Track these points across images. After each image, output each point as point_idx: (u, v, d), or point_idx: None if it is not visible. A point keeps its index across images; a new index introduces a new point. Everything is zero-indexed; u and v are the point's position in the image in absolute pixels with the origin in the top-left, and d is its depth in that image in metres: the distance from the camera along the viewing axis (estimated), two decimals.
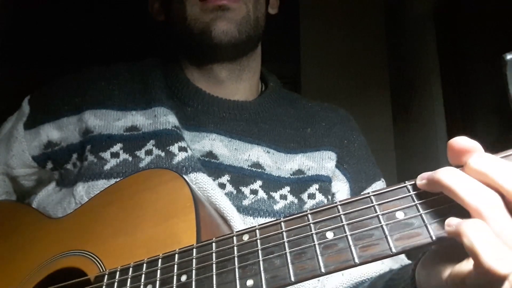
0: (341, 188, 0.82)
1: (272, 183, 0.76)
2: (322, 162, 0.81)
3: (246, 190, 0.74)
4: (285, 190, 0.76)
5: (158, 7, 0.89)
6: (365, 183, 0.84)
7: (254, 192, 0.75)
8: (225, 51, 0.79)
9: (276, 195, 0.75)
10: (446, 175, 0.39)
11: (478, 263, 0.35)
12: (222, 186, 0.73)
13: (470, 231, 0.35)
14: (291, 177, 0.78)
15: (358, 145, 0.88)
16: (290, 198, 0.76)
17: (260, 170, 0.77)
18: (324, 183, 0.79)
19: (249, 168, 0.77)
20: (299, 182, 0.78)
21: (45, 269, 0.61)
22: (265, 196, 0.75)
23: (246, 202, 0.73)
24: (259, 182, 0.76)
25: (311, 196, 0.77)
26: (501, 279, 0.34)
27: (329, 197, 0.79)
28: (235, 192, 0.74)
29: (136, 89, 0.83)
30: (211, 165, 0.75)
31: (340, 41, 2.52)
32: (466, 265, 0.38)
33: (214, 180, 0.73)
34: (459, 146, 0.40)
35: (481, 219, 0.36)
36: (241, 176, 0.76)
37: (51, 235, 0.67)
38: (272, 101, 0.88)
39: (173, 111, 0.78)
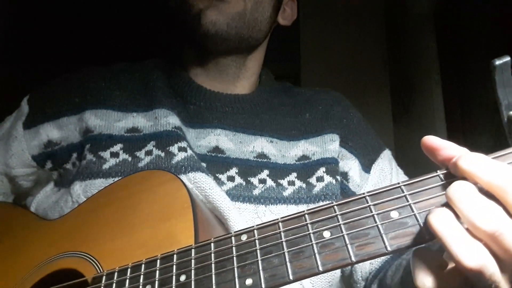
0: (352, 166, 0.83)
1: (279, 171, 0.78)
2: (325, 145, 0.82)
3: (254, 180, 0.76)
4: (292, 176, 0.78)
5: None
6: (374, 155, 0.87)
7: (263, 181, 0.76)
8: (213, 42, 0.78)
9: (284, 182, 0.77)
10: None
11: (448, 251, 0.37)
12: (231, 178, 0.75)
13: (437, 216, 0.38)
14: (296, 163, 0.80)
15: (357, 121, 0.90)
16: (298, 183, 0.77)
17: (265, 160, 0.79)
18: (331, 165, 0.80)
19: (255, 159, 0.78)
20: (305, 167, 0.79)
21: (41, 271, 0.61)
22: (274, 184, 0.76)
23: (256, 192, 0.75)
24: (266, 172, 0.77)
25: (320, 179, 0.78)
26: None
27: (338, 177, 0.80)
28: (244, 183, 0.75)
29: (137, 90, 0.83)
30: (218, 159, 0.77)
31: (340, 40, 2.52)
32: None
33: (222, 173, 0.75)
34: (428, 143, 0.43)
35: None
36: (248, 168, 0.77)
37: (47, 237, 0.66)
38: (267, 92, 0.89)
39: (175, 111, 0.79)
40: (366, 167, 0.85)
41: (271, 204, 0.74)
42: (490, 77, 0.42)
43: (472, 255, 0.36)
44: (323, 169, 0.79)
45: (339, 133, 0.84)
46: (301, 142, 0.82)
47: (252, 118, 0.83)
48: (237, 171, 0.76)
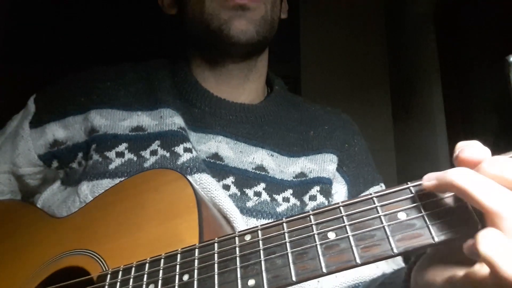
0: (339, 190, 0.83)
1: (275, 186, 0.77)
2: (324, 164, 0.81)
3: (250, 192, 0.75)
4: (288, 193, 0.77)
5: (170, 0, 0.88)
6: (363, 187, 0.85)
7: (258, 194, 0.75)
8: (241, 49, 0.80)
9: (279, 198, 0.76)
10: (460, 176, 0.38)
11: (496, 273, 0.34)
12: (226, 187, 0.74)
13: (486, 240, 0.35)
14: (293, 180, 0.79)
15: (358, 149, 0.89)
16: (293, 200, 0.77)
17: (264, 173, 0.78)
18: (325, 185, 0.80)
19: (253, 171, 0.77)
20: (301, 185, 0.79)
21: (49, 268, 0.62)
22: (268, 199, 0.75)
23: (249, 204, 0.74)
24: (262, 185, 0.76)
25: (312, 198, 0.78)
26: None
27: (330, 199, 0.80)
28: (239, 194, 0.74)
29: (142, 89, 0.83)
30: (216, 166, 0.76)
31: (340, 41, 2.52)
32: (480, 271, 0.37)
33: (218, 181, 0.74)
34: (471, 158, 0.39)
35: (497, 220, 0.35)
36: (245, 178, 0.76)
37: (54, 234, 0.67)
38: (277, 104, 0.88)
39: (180, 112, 0.78)
40: (352, 197, 0.83)
41: (263, 218, 0.73)
42: (503, 74, 0.40)
43: None
44: (317, 188, 0.79)
45: (338, 155, 0.84)
46: (300, 159, 0.81)
47: (256, 129, 0.82)
48: (233, 180, 0.75)
